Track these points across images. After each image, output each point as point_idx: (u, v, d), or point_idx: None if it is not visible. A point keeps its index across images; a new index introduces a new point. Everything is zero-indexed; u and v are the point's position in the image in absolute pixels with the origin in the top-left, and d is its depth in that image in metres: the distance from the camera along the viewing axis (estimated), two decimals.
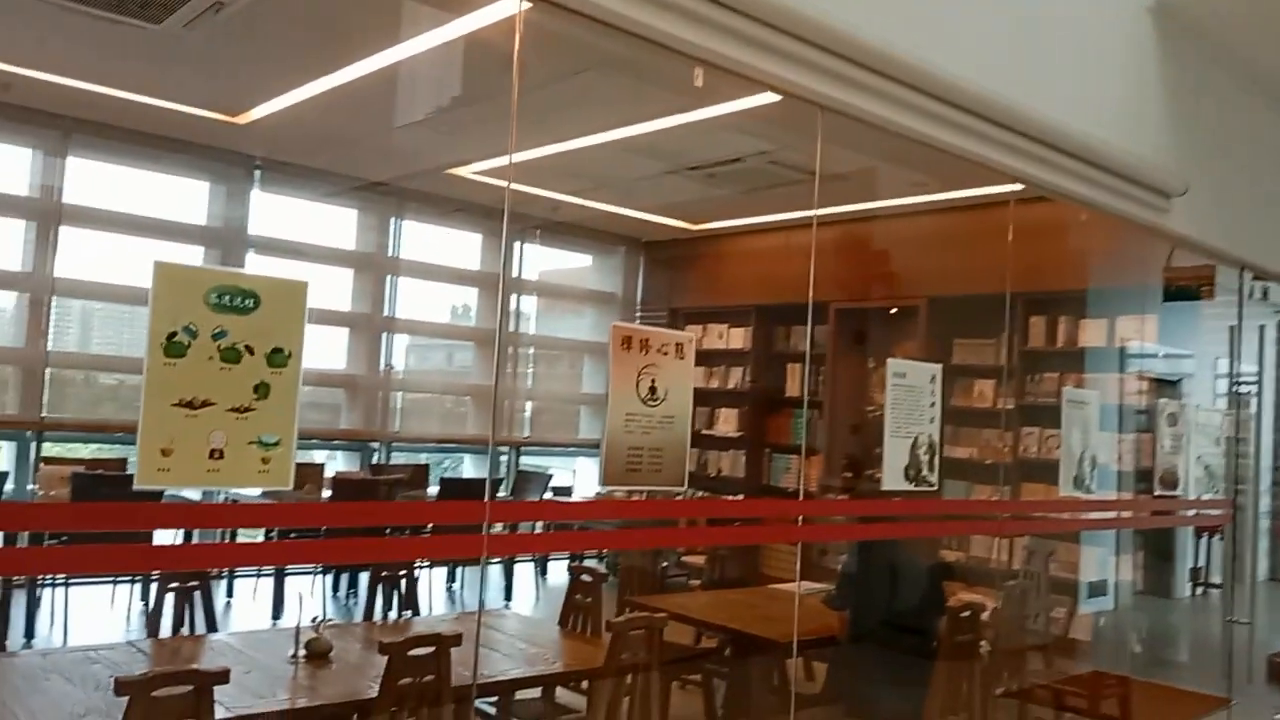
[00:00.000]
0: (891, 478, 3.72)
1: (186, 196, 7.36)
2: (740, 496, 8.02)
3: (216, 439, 2.16)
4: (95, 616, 5.88)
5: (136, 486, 2.09)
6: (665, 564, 6.92)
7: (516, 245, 8.81)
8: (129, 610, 5.94)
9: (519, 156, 6.85)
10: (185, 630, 3.99)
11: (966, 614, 4.38)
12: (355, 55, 5.28)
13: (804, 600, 4.85)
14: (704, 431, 8.74)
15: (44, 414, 6.53)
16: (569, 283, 9.99)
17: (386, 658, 2.86)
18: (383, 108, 5.99)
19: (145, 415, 2.09)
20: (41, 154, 6.61)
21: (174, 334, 2.12)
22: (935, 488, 3.85)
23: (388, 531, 3.47)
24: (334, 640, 3.47)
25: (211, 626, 3.92)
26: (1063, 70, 4.46)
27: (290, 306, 2.26)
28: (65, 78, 5.79)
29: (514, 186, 7.60)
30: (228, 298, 2.17)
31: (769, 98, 5.19)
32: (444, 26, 4.85)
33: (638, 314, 9.42)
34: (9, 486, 6.20)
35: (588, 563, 4.49)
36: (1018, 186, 4.46)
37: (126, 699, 2.33)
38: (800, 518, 3.83)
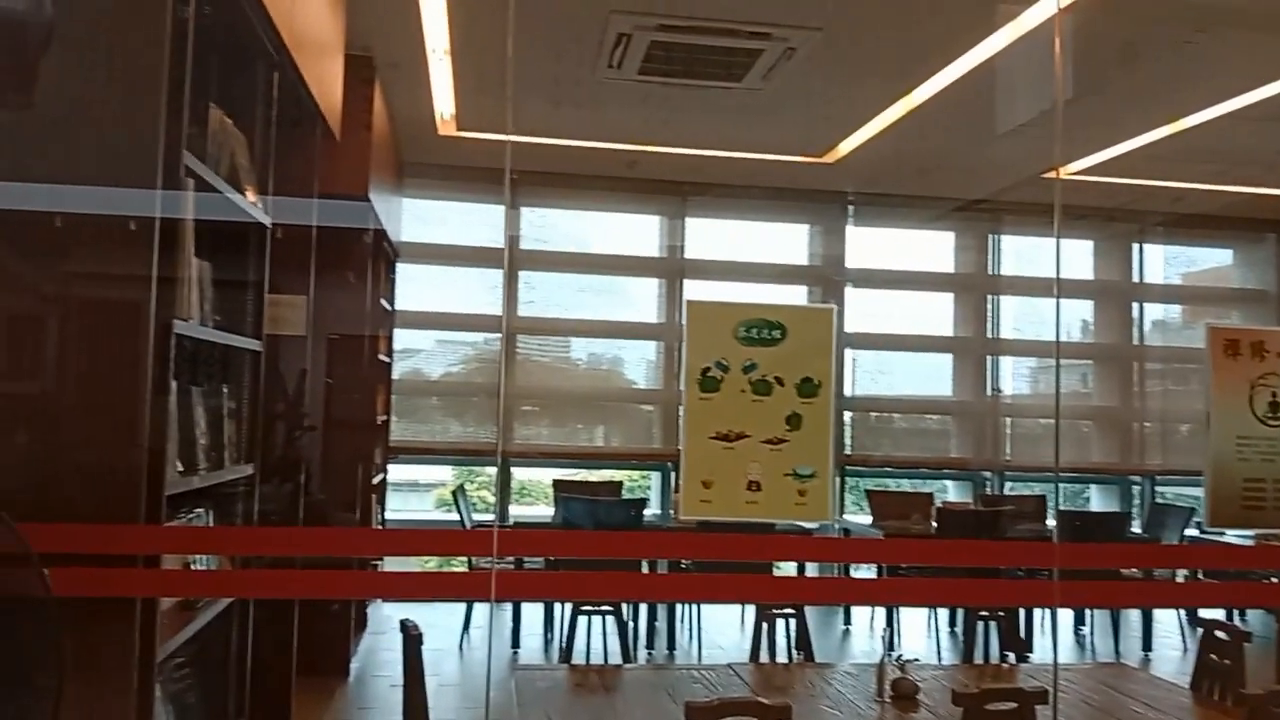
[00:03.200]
0: None
1: (788, 240, 7.83)
2: None
3: (753, 471, 2.15)
4: (725, 634, 6.38)
5: (682, 517, 2.16)
6: None
7: (1134, 246, 7.86)
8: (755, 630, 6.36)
9: (1126, 146, 6.12)
10: (784, 657, 4.12)
11: None
12: (926, 73, 5.15)
13: None
14: None
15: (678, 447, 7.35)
16: (1204, 283, 8.61)
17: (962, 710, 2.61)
18: (964, 122, 5.75)
19: (686, 449, 2.16)
20: (665, 219, 7.52)
21: (707, 369, 2.17)
22: None
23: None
24: (930, 682, 3.29)
25: (808, 655, 3.97)
26: None
27: (818, 335, 2.19)
28: (676, 148, 6.52)
29: (1126, 181, 6.79)
30: (755, 330, 2.16)
31: None
32: (1015, 22, 4.51)
33: None
34: (654, 512, 7.07)
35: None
36: None
37: None
38: None
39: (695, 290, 7.51)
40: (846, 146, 6.37)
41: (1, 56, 2.20)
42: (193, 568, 2.54)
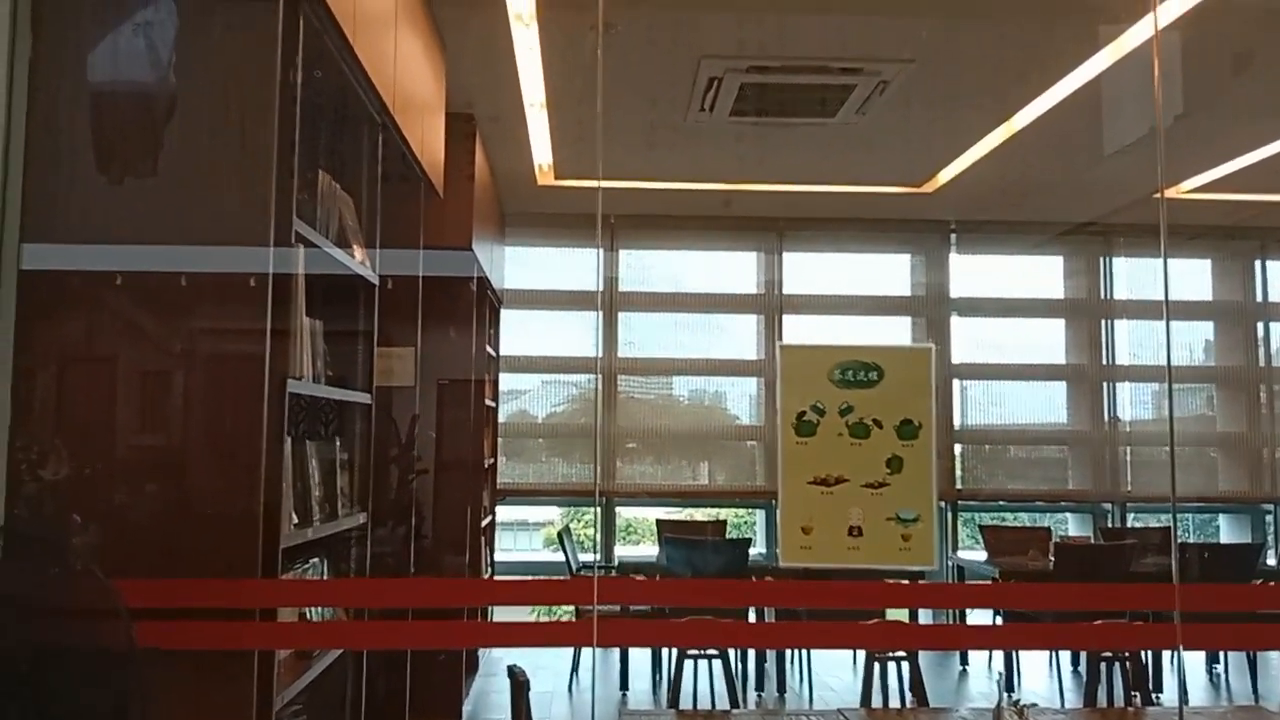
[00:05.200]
0: None
1: (889, 271, 7.73)
2: None
3: (853, 516, 2.13)
4: (837, 676, 6.26)
5: (782, 564, 2.15)
6: None
7: (1257, 263, 7.51)
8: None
9: (1245, 160, 5.88)
10: (897, 701, 4.03)
11: None
12: (1026, 97, 5.05)
13: None
14: None
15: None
16: None
17: None
18: (1069, 145, 5.61)
19: (784, 495, 2.15)
20: (762, 254, 7.51)
21: (803, 413, 2.15)
22: None
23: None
24: None
25: (922, 699, 3.87)
26: None
27: (916, 375, 2.16)
28: (771, 185, 6.53)
29: (1241, 197, 6.52)
30: (851, 372, 2.15)
31: None
32: (1118, 41, 4.39)
33: None
34: (759, 550, 7.00)
35: None
36: None
37: None
38: None
39: (795, 325, 7.46)
40: (946, 175, 6.27)
41: (131, 128, 2.34)
42: (309, 616, 2.63)
